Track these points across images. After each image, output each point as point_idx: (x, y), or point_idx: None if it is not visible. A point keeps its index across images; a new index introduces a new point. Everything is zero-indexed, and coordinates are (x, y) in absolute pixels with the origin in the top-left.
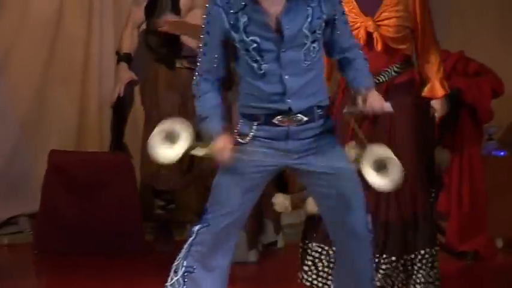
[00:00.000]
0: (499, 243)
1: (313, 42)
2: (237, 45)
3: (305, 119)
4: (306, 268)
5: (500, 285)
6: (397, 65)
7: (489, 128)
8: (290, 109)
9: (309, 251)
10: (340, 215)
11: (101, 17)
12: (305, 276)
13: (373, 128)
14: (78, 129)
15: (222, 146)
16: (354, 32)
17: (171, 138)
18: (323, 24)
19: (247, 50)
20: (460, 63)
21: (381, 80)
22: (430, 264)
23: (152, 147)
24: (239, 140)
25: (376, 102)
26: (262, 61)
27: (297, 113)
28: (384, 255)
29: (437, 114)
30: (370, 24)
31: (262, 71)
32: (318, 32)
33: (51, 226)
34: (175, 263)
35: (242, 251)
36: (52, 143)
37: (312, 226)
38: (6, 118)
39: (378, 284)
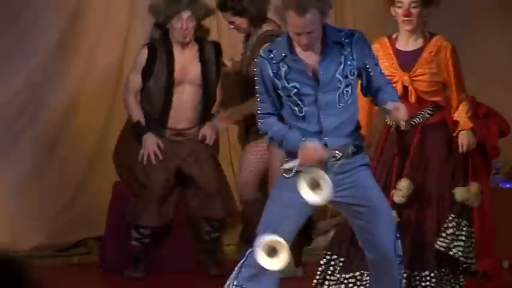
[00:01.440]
0: (505, 264)
1: (346, 86)
2: (281, 92)
3: (340, 154)
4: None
5: None
6: (430, 108)
7: (497, 163)
8: (326, 145)
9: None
10: (372, 242)
11: None
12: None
13: (413, 162)
14: None
15: (311, 148)
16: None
17: (313, 184)
18: (355, 70)
19: (289, 96)
20: (472, 108)
21: (416, 122)
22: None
23: (304, 192)
24: (285, 175)
25: (401, 111)
26: (303, 104)
27: (332, 149)
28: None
29: (465, 146)
30: (406, 79)
31: (302, 113)
32: (350, 77)
33: (115, 248)
34: (228, 283)
35: (290, 267)
36: (114, 176)
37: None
38: (75, 154)
39: None
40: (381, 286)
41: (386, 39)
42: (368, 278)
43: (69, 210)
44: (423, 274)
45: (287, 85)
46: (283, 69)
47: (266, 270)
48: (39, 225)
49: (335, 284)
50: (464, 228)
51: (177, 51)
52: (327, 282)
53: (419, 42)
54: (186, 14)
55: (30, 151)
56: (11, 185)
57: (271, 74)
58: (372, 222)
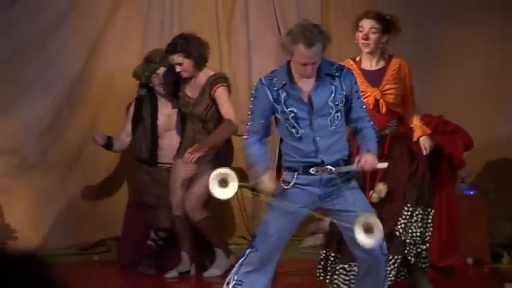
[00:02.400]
0: (470, 261)
1: (336, 112)
2: (279, 116)
3: (333, 169)
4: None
5: None
6: (395, 121)
7: (462, 173)
8: (322, 161)
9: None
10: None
11: None
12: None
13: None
14: None
15: (268, 179)
16: (365, 99)
17: (224, 181)
18: (343, 98)
19: (287, 119)
20: (440, 124)
21: (386, 133)
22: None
23: (212, 188)
24: (284, 186)
25: (367, 163)
26: (299, 127)
27: (327, 165)
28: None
29: (428, 148)
30: (377, 93)
31: (299, 135)
32: (339, 104)
33: (130, 247)
34: (228, 277)
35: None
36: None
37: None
38: (95, 167)
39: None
40: (367, 280)
41: (351, 61)
42: (354, 268)
43: (91, 214)
44: (389, 258)
45: (286, 110)
46: (283, 95)
47: (262, 267)
48: (64, 227)
49: (330, 275)
50: (420, 216)
51: (161, 102)
52: (326, 275)
53: (382, 63)
54: (161, 71)
55: (57, 164)
56: (40, 193)
57: (271, 99)
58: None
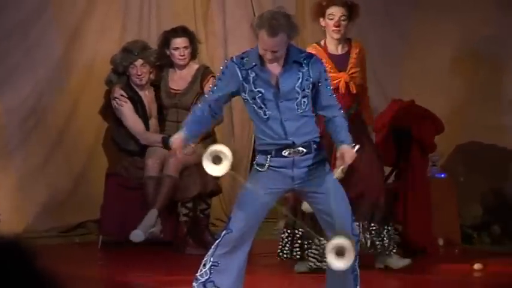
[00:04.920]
0: (441, 242)
1: (303, 97)
2: (246, 95)
3: (305, 150)
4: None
5: (441, 271)
6: (356, 102)
7: (433, 157)
8: (294, 143)
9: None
10: (332, 223)
11: None
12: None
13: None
14: None
15: (176, 139)
16: (336, 84)
17: (218, 158)
18: (310, 85)
19: (254, 99)
20: (411, 109)
21: (351, 112)
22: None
23: (205, 164)
24: (258, 169)
25: (348, 156)
26: (266, 108)
27: (299, 147)
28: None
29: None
30: (346, 77)
31: (266, 116)
32: (306, 90)
33: (111, 218)
34: (205, 259)
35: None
36: (110, 168)
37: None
38: (76, 150)
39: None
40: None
41: (318, 46)
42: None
43: (72, 197)
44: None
45: (254, 89)
46: (252, 75)
47: (237, 248)
48: (46, 210)
49: (301, 252)
50: (385, 232)
51: (139, 92)
52: (294, 252)
53: (345, 47)
54: (139, 62)
55: (38, 147)
56: (22, 176)
57: (241, 78)
58: (331, 207)
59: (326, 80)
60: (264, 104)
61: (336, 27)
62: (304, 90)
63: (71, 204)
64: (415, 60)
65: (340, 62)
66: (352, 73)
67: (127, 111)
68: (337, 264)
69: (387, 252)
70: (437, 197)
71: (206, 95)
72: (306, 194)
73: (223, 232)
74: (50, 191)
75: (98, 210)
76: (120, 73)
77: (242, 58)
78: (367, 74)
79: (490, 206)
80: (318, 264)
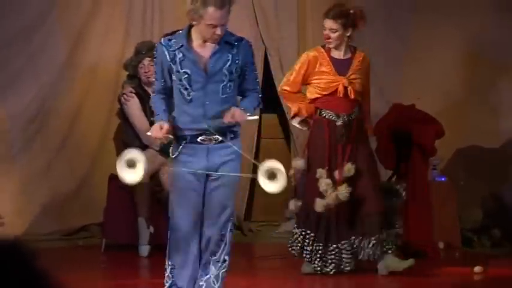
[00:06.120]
0: (441, 245)
1: (229, 81)
2: (174, 76)
3: (220, 138)
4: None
5: (441, 274)
6: (357, 108)
7: (433, 161)
8: (210, 126)
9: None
10: (215, 213)
11: None
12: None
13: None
14: None
15: (156, 127)
16: (334, 87)
17: (131, 164)
18: (238, 69)
19: (180, 80)
20: (412, 113)
21: (353, 117)
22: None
23: (119, 172)
24: (173, 156)
25: (236, 115)
26: (191, 89)
27: (214, 134)
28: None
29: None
30: (345, 81)
31: (190, 97)
32: (234, 73)
33: (115, 221)
34: (166, 263)
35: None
36: (114, 171)
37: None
38: (79, 154)
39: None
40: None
41: (321, 49)
42: (345, 245)
43: (75, 201)
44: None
45: (180, 70)
46: (179, 56)
47: (187, 246)
48: (49, 214)
49: (310, 255)
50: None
51: (150, 91)
52: (304, 253)
53: (348, 53)
54: (146, 61)
55: (41, 151)
56: (25, 179)
57: (169, 59)
58: (219, 193)
59: (252, 64)
60: (190, 85)
61: (326, 39)
62: (232, 73)
63: (74, 208)
64: (416, 65)
65: (341, 66)
66: (352, 79)
67: (134, 108)
68: (269, 186)
69: (384, 249)
70: (438, 200)
71: (154, 85)
72: (211, 180)
73: (169, 233)
74: (53, 195)
75: (101, 213)
76: (132, 76)
77: (170, 40)
78: None
79: (490, 210)
80: (324, 268)
